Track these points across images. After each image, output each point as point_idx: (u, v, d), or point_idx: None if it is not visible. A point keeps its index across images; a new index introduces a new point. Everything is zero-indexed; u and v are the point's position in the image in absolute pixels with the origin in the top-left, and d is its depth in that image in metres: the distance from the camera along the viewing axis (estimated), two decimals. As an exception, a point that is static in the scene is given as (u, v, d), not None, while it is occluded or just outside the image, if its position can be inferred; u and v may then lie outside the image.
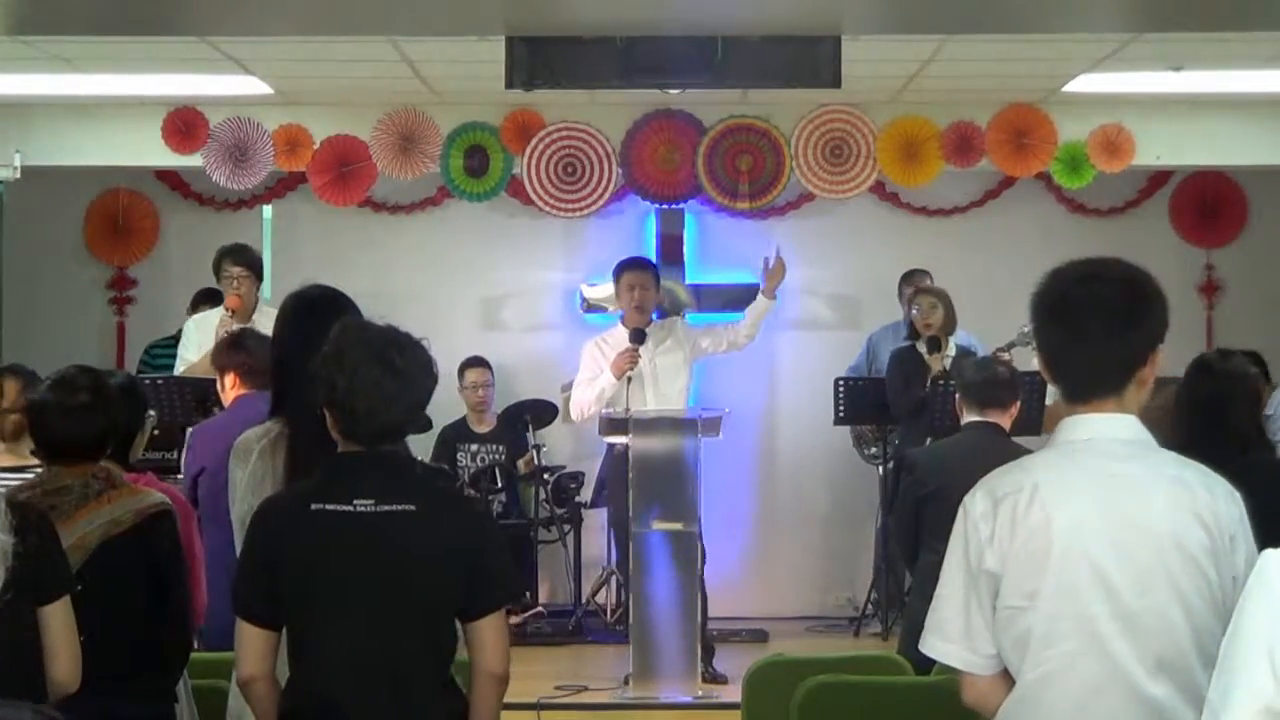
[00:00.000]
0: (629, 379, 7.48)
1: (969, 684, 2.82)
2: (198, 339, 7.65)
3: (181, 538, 4.48)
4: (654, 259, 9.42)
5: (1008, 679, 2.79)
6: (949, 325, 8.09)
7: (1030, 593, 2.71)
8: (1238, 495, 2.76)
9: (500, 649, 3.31)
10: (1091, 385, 2.80)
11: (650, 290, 7.72)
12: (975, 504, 2.80)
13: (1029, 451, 5.77)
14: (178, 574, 3.97)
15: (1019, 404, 5.68)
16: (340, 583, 3.22)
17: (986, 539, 2.75)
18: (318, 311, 3.73)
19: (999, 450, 5.47)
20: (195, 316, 7.92)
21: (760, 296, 7.87)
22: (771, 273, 7.87)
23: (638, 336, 7.59)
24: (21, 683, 3.32)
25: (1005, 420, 5.63)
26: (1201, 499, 2.72)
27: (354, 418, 3.24)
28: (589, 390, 7.65)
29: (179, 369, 7.64)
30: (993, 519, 2.75)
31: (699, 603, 7.13)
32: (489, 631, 3.30)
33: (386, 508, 3.22)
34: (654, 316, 7.83)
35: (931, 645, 2.84)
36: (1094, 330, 2.76)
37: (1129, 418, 2.80)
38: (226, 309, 7.53)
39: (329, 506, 3.22)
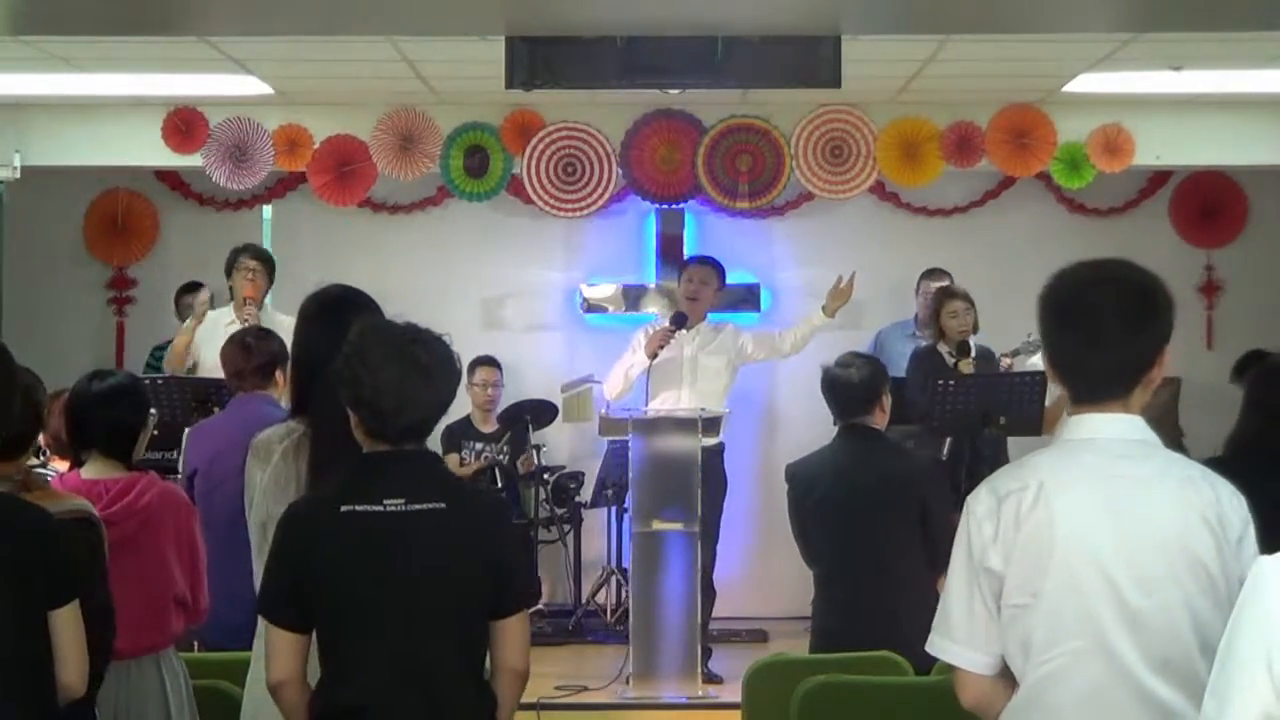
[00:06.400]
0: (654, 357, 7.56)
1: (972, 683, 2.80)
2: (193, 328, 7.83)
3: (187, 536, 4.49)
4: (654, 259, 9.46)
5: (1009, 681, 2.77)
6: (975, 327, 7.98)
7: (1033, 591, 2.70)
8: (1242, 496, 2.75)
9: (525, 646, 3.31)
10: (1102, 388, 2.78)
11: (708, 286, 7.86)
12: (978, 502, 2.78)
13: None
14: (91, 584, 3.62)
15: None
16: (373, 583, 3.19)
17: (990, 538, 2.73)
18: (338, 311, 3.70)
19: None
20: (212, 313, 7.95)
21: (819, 311, 7.99)
22: (839, 293, 7.99)
23: (678, 319, 7.72)
24: (30, 687, 3.32)
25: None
26: (1207, 499, 2.70)
27: (381, 417, 3.21)
28: (619, 368, 7.77)
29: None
30: (996, 518, 2.73)
31: (699, 603, 7.14)
32: (515, 629, 3.29)
33: (417, 506, 3.19)
34: (709, 318, 7.95)
35: (937, 645, 2.82)
36: (1107, 333, 2.74)
37: (1134, 417, 2.78)
38: (244, 298, 7.69)
39: (359, 508, 3.18)
